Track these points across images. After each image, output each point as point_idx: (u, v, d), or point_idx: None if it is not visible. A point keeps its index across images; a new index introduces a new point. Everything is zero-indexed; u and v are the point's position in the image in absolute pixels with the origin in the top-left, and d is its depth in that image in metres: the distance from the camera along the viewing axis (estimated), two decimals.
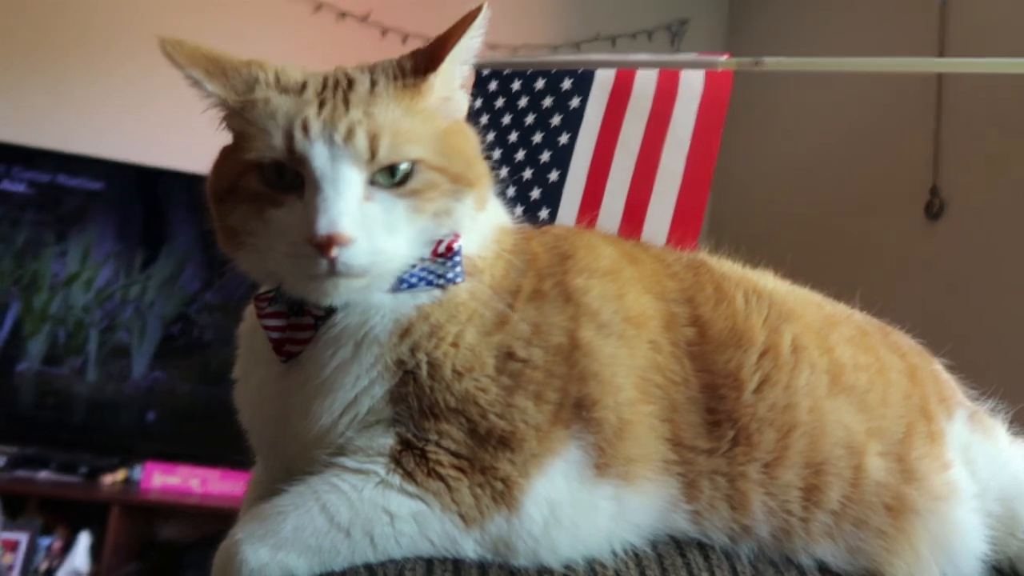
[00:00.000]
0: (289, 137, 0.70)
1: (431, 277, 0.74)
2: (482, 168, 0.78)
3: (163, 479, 2.90)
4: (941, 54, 2.59)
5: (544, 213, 1.58)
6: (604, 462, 0.71)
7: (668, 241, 1.53)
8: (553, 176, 1.58)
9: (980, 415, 0.92)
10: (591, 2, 3.75)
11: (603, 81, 1.60)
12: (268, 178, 0.72)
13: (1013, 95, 2.30)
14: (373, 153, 0.70)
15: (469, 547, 0.69)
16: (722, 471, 0.75)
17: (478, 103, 1.71)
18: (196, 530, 2.93)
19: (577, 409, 0.72)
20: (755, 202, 3.31)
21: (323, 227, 0.67)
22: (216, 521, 2.78)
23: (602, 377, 0.73)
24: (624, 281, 0.80)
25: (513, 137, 1.64)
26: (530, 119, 1.64)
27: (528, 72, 1.67)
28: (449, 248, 0.74)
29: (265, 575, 0.67)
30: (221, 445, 2.98)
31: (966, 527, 0.81)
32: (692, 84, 1.54)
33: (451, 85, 0.77)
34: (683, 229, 1.46)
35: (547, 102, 1.63)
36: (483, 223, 0.79)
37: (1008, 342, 2.12)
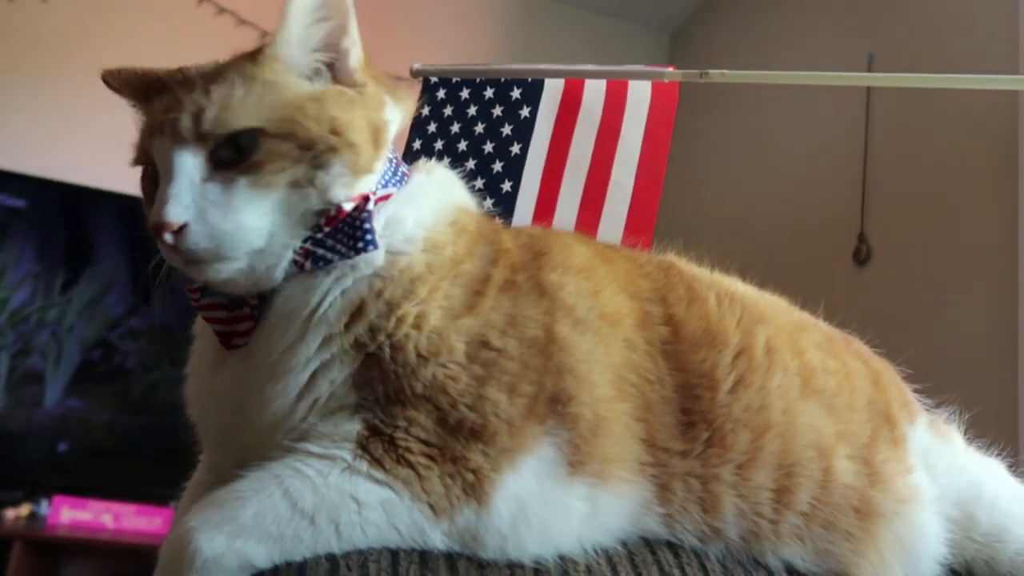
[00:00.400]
0: (145, 138, 0.73)
1: (342, 249, 0.71)
2: (361, 133, 0.73)
3: (72, 514, 2.72)
4: (868, 107, 2.72)
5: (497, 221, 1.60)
6: (579, 460, 0.70)
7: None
8: (506, 186, 1.58)
9: (938, 422, 0.94)
10: (532, 48, 3.84)
11: (552, 91, 1.60)
12: (150, 180, 0.74)
13: (936, 146, 2.43)
14: (198, 132, 0.69)
15: (437, 538, 0.67)
16: (695, 473, 0.74)
17: (426, 111, 1.68)
18: (107, 570, 2.75)
19: (552, 404, 0.70)
20: (690, 242, 3.38)
21: (152, 215, 0.68)
22: (129, 560, 2.62)
23: (578, 372, 0.72)
24: (599, 279, 0.79)
25: (463, 146, 1.62)
26: (480, 128, 1.63)
27: (477, 80, 1.66)
28: (342, 215, 0.70)
29: (221, 565, 0.63)
30: (138, 479, 2.84)
31: (927, 530, 0.83)
32: (640, 95, 1.56)
33: (307, 46, 0.74)
34: (635, 240, 1.47)
35: (497, 111, 1.62)
36: (433, 196, 0.78)
37: (931, 388, 2.20)
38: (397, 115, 0.80)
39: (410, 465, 0.66)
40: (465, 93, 1.65)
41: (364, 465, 0.66)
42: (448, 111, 1.66)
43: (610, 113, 1.56)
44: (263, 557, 0.64)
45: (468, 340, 0.70)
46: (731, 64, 3.46)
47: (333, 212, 0.71)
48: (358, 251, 0.71)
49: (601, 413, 0.72)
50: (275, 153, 0.69)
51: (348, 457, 0.66)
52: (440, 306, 0.71)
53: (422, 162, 0.85)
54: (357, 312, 0.71)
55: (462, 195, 0.83)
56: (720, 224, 3.29)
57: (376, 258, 0.72)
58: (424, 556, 0.65)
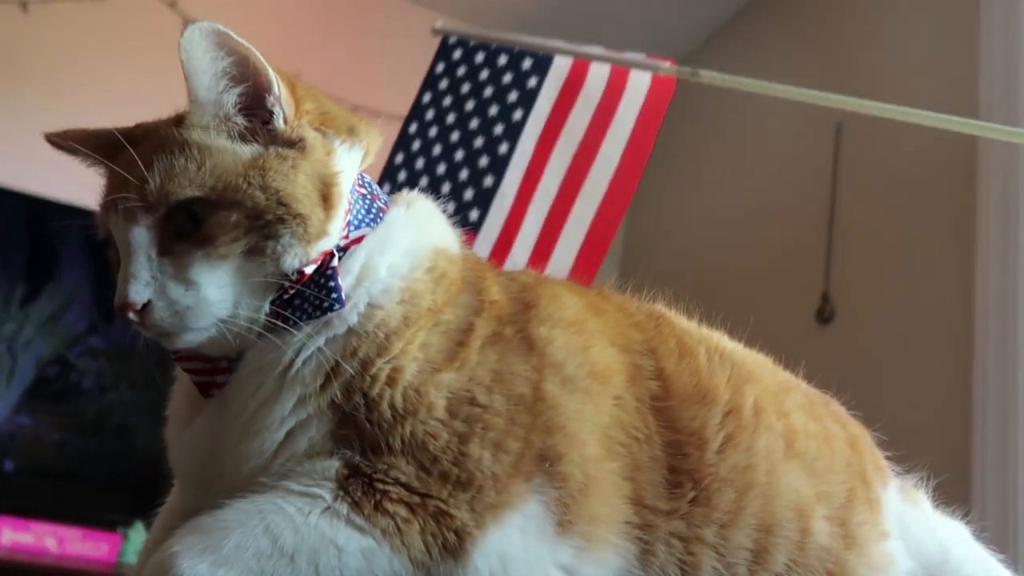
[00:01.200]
0: (102, 214, 0.74)
1: (310, 310, 0.70)
2: (308, 199, 0.70)
3: (14, 536, 2.62)
4: (835, 171, 2.82)
5: (488, 181, 1.63)
6: (568, 519, 0.69)
7: (592, 226, 1.60)
8: (503, 149, 1.64)
9: (907, 486, 0.97)
10: None
11: (560, 68, 1.69)
12: (115, 251, 0.74)
13: (898, 213, 2.53)
14: (146, 205, 0.69)
15: None
16: (679, 534, 0.74)
17: (440, 67, 1.78)
18: None
19: (540, 461, 0.70)
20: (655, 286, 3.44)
21: (117, 296, 0.69)
22: None
23: (568, 431, 0.71)
24: (589, 333, 0.79)
25: (469, 106, 1.70)
26: (488, 92, 1.70)
27: (492, 47, 1.75)
28: (305, 276, 0.70)
29: None
30: (86, 503, 2.75)
31: None
32: (638, 84, 1.66)
33: (224, 112, 0.72)
34: (608, 218, 1.55)
35: (506, 78, 1.70)
36: (409, 238, 0.76)
37: (887, 445, 2.26)
38: (355, 155, 0.77)
39: (389, 515, 0.66)
40: (480, 57, 1.74)
41: (345, 508, 0.65)
42: (461, 71, 1.74)
43: (609, 95, 1.66)
44: None
45: (450, 395, 0.69)
46: (698, 120, 3.56)
47: (294, 276, 0.71)
48: (325, 310, 0.71)
49: (590, 472, 0.71)
50: (225, 224, 0.69)
51: (328, 497, 0.66)
52: (415, 359, 0.70)
53: (403, 194, 0.83)
54: (332, 372, 0.70)
55: (442, 234, 0.80)
56: (685, 274, 3.35)
57: (349, 316, 0.71)
58: None
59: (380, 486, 0.66)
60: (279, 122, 0.73)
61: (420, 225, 0.79)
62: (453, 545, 0.66)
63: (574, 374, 0.75)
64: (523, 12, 3.58)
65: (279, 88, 0.73)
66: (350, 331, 0.71)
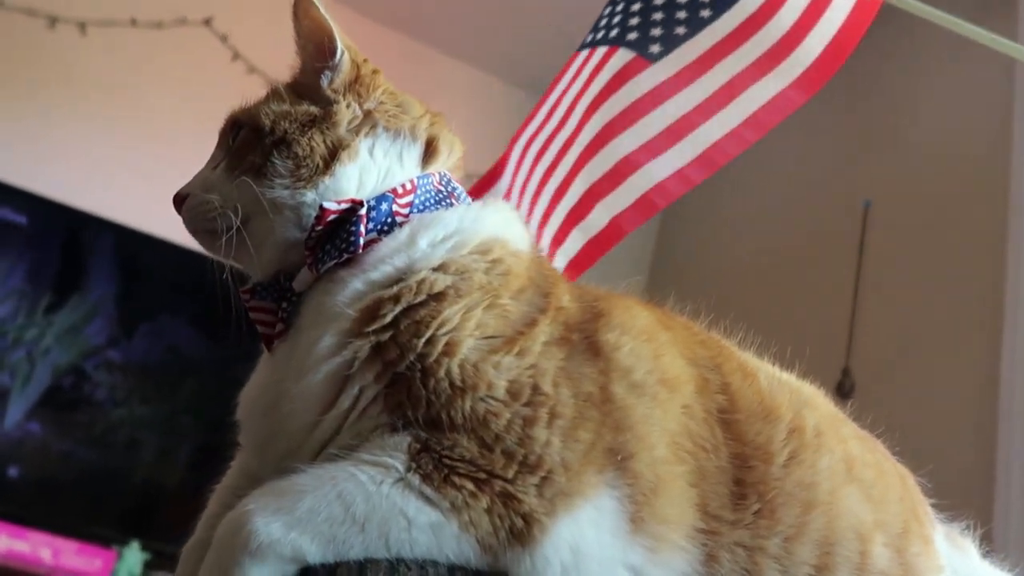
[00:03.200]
0: None
1: (332, 251, 0.76)
2: (305, 147, 0.80)
3: (9, 543, 2.58)
4: (861, 250, 2.84)
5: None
6: (640, 516, 0.68)
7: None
8: (655, 48, 1.47)
9: (953, 533, 0.96)
10: None
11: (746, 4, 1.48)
12: None
13: (925, 290, 2.53)
14: (223, 130, 0.86)
15: (484, 567, 0.66)
16: (744, 543, 0.74)
17: None
18: None
19: (611, 454, 0.69)
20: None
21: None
22: None
23: (637, 432, 0.71)
24: (660, 343, 0.80)
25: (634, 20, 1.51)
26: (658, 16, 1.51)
27: None
28: (327, 214, 0.76)
29: (276, 551, 0.62)
30: (85, 516, 2.72)
31: None
32: (840, 5, 1.47)
33: (303, 68, 0.87)
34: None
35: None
36: (461, 223, 0.79)
37: None
38: (404, 150, 0.84)
39: (457, 487, 0.65)
40: None
41: (416, 479, 0.65)
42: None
43: (801, 21, 1.46)
44: (316, 554, 0.63)
45: (510, 379, 0.70)
46: (728, 190, 3.61)
47: (317, 212, 0.77)
48: (343, 252, 0.75)
49: (660, 474, 0.71)
50: (243, 140, 0.82)
51: (400, 468, 0.66)
52: (472, 335, 0.71)
53: (490, 197, 0.88)
54: (370, 311, 0.72)
55: (507, 229, 0.83)
56: None
57: (385, 267, 0.75)
58: (481, 572, 0.65)
59: (448, 461, 0.66)
60: (324, 82, 0.85)
61: (479, 215, 0.82)
62: (521, 531, 0.65)
63: (643, 380, 0.75)
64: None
65: (340, 59, 0.85)
66: (389, 278, 0.74)
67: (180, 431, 2.89)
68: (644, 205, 1.42)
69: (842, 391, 2.72)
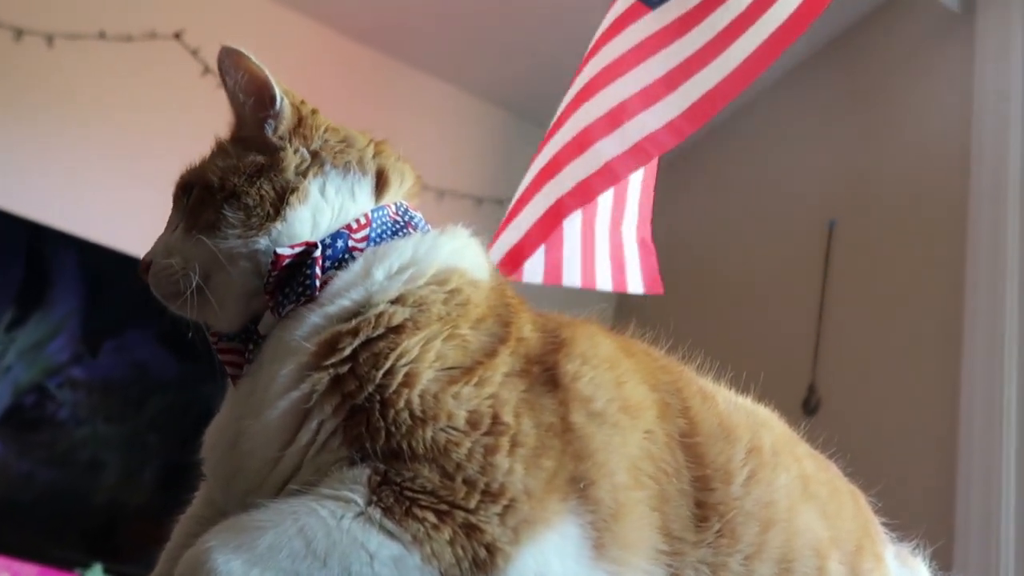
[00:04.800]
0: None
1: (291, 294, 0.77)
2: (255, 196, 0.81)
3: None
4: (826, 269, 2.89)
5: None
6: (602, 542, 0.69)
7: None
8: None
9: (904, 553, 0.98)
10: (516, 167, 3.99)
11: None
12: None
13: (888, 308, 2.58)
14: (175, 193, 0.88)
15: None
16: (706, 561, 0.75)
17: None
18: None
19: (573, 482, 0.70)
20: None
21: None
22: None
23: (596, 460, 0.72)
24: (623, 370, 0.81)
25: None
26: None
27: None
28: (282, 259, 0.77)
29: None
30: (47, 538, 2.65)
31: None
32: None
33: (242, 121, 0.88)
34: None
35: None
36: (416, 253, 0.80)
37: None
38: (355, 185, 0.85)
39: (419, 520, 0.65)
40: None
41: (378, 513, 0.65)
42: None
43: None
44: None
45: (471, 409, 0.70)
46: (694, 211, 3.65)
47: (271, 259, 0.77)
48: (300, 295, 0.76)
49: (620, 500, 0.72)
50: (195, 199, 0.83)
51: (361, 501, 0.66)
52: (432, 366, 0.71)
53: (449, 226, 0.88)
54: (328, 344, 0.73)
55: (464, 258, 0.83)
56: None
57: (342, 300, 0.76)
58: None
59: (409, 493, 0.66)
60: (268, 131, 0.85)
61: (435, 244, 0.83)
62: (484, 561, 0.65)
63: (604, 408, 0.76)
64: (542, 89, 3.71)
65: (281, 106, 0.85)
66: (346, 311, 0.75)
67: (146, 450, 2.84)
68: (637, 153, 1.44)
69: (808, 407, 2.76)
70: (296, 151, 0.84)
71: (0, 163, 3.02)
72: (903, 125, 2.79)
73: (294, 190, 0.81)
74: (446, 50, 3.68)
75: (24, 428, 2.75)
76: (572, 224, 1.58)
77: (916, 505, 2.21)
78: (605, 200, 1.63)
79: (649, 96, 1.46)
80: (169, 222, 0.87)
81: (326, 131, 0.87)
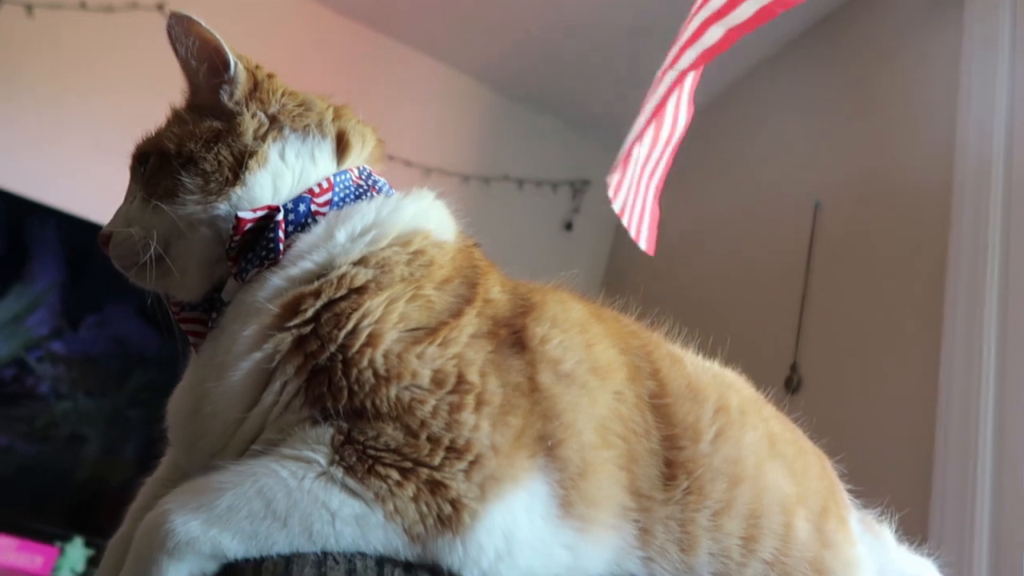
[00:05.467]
0: None
1: (254, 258, 0.76)
2: (212, 160, 0.80)
3: None
4: (811, 250, 2.90)
5: None
6: (569, 500, 0.70)
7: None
8: None
9: (868, 519, 1.00)
10: (503, 146, 3.98)
11: None
12: None
13: (871, 289, 2.60)
14: (132, 164, 0.86)
15: (413, 559, 0.66)
16: (675, 517, 0.77)
17: None
18: None
19: (541, 441, 0.70)
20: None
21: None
22: None
23: (564, 420, 0.73)
24: (593, 333, 0.82)
25: None
26: None
27: None
28: (243, 224, 0.76)
29: (194, 549, 0.62)
30: (26, 512, 2.64)
31: None
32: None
33: (198, 85, 0.87)
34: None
35: None
36: (380, 216, 0.80)
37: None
38: (315, 147, 0.84)
39: (382, 477, 0.65)
40: None
41: (339, 472, 0.65)
42: None
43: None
44: (237, 550, 0.63)
45: (435, 368, 0.70)
46: (679, 189, 3.65)
47: (232, 224, 0.77)
48: (263, 259, 0.76)
49: (588, 458, 0.72)
50: (152, 168, 0.82)
51: (323, 461, 0.65)
52: (395, 327, 0.71)
53: (414, 189, 0.87)
54: (290, 306, 0.72)
55: (430, 221, 0.83)
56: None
57: (304, 263, 0.75)
58: (410, 564, 0.65)
59: (372, 452, 0.66)
60: (224, 97, 0.84)
61: (398, 206, 0.82)
62: (449, 517, 0.65)
63: (573, 369, 0.76)
64: (535, 78, 3.69)
65: (235, 71, 0.84)
66: (308, 273, 0.75)
67: (127, 425, 2.83)
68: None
69: (789, 386, 2.78)
70: (253, 115, 0.83)
71: None
72: (890, 107, 2.80)
73: (252, 154, 0.81)
74: (434, 27, 3.64)
75: (3, 402, 2.73)
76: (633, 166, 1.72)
77: (893, 480, 2.24)
78: (645, 150, 1.76)
79: None
80: (127, 193, 0.86)
81: (283, 95, 0.86)
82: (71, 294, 2.88)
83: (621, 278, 3.86)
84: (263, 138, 0.82)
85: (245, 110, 0.83)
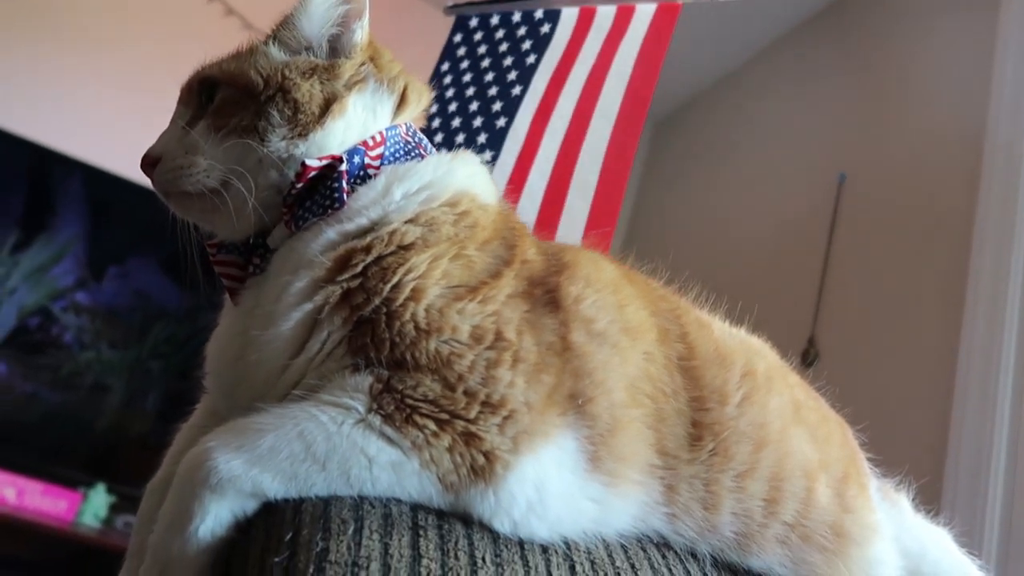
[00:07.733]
0: None
1: (315, 208, 0.77)
2: (305, 96, 0.80)
3: None
4: (834, 223, 2.88)
5: (502, 122, 1.69)
6: (598, 455, 0.71)
7: (600, 179, 1.59)
8: (515, 91, 1.69)
9: (887, 487, 1.00)
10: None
11: (569, 15, 1.76)
12: None
13: (893, 263, 2.58)
14: (187, 88, 0.84)
15: (446, 507, 0.67)
16: (700, 476, 0.78)
17: (457, 38, 1.88)
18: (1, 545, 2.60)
19: (572, 399, 0.72)
20: None
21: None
22: (25, 540, 2.49)
23: (595, 378, 0.74)
24: (625, 295, 0.83)
25: (485, 63, 1.78)
26: (503, 46, 1.79)
27: (505, 12, 1.85)
28: (308, 171, 0.76)
29: (236, 487, 0.64)
30: (51, 457, 2.71)
31: (887, 559, 0.89)
32: (642, 17, 1.68)
33: (317, 23, 0.85)
34: (616, 166, 1.54)
35: (520, 31, 1.79)
36: (434, 176, 0.81)
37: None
38: (384, 100, 0.85)
39: (419, 427, 0.66)
40: (495, 20, 1.83)
41: (378, 420, 0.66)
42: (477, 37, 1.82)
43: (615, 30, 1.68)
44: (278, 490, 0.64)
45: (475, 324, 0.71)
46: (705, 159, 3.62)
47: (297, 169, 0.77)
48: (326, 208, 0.76)
49: (617, 416, 0.74)
50: (226, 99, 0.80)
51: (361, 409, 0.66)
52: (438, 283, 0.72)
53: (460, 151, 0.88)
54: (342, 260, 0.73)
55: (475, 182, 0.84)
56: None
57: (360, 218, 0.76)
58: (443, 512, 0.67)
59: (410, 401, 0.67)
60: (355, 38, 0.85)
61: (451, 168, 0.83)
62: (482, 467, 0.66)
63: (605, 329, 0.77)
64: None
65: (366, 20, 0.86)
66: (361, 229, 0.75)
67: (148, 376, 2.88)
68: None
69: (806, 359, 2.78)
70: (363, 64, 0.84)
71: (5, 86, 2.99)
72: (921, 81, 2.74)
73: (339, 99, 0.81)
74: None
75: (29, 350, 2.78)
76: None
77: (909, 452, 2.25)
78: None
79: None
80: (177, 116, 0.83)
81: (370, 46, 0.87)
82: (95, 246, 2.91)
83: (638, 244, 3.85)
84: (351, 87, 0.83)
85: (357, 55, 0.84)
